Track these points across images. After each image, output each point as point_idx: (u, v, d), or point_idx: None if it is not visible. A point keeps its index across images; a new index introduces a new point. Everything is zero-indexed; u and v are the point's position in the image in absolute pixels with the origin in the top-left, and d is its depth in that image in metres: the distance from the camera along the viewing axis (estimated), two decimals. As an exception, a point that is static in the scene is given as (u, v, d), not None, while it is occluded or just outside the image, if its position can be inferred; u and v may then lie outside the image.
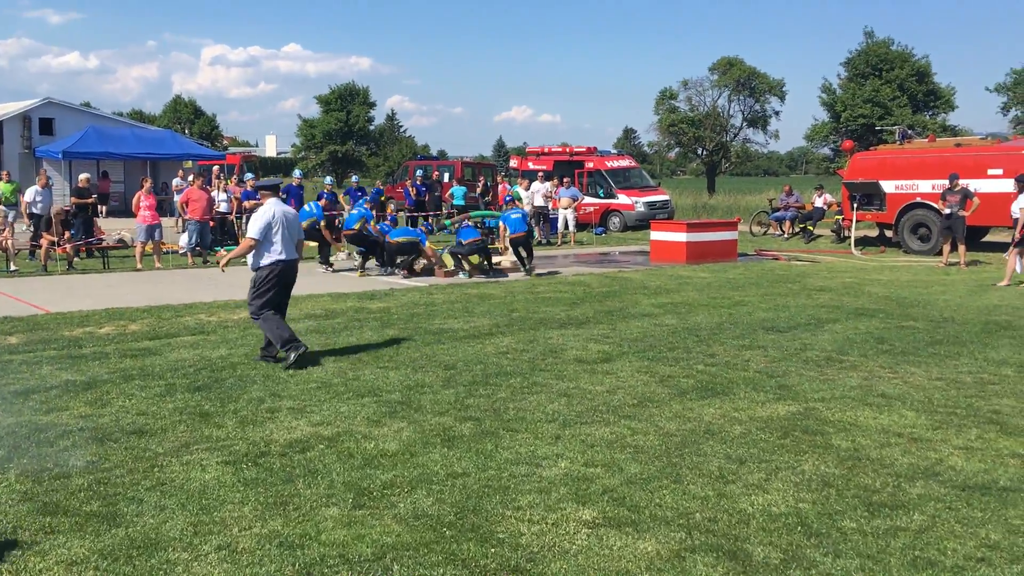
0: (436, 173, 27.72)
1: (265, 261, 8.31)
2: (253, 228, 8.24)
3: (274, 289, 8.33)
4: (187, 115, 74.23)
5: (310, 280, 15.12)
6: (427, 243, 15.54)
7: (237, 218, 20.59)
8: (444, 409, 6.76)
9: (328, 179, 21.80)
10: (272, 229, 8.24)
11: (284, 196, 18.97)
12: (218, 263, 8.40)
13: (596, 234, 26.18)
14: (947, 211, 17.95)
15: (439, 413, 6.66)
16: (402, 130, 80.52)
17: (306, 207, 16.94)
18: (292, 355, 8.14)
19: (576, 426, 6.35)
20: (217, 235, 20.77)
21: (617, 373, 8.02)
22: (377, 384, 7.53)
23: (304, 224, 16.50)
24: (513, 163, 32.57)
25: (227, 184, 21.96)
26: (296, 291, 13.10)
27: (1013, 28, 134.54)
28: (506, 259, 16.91)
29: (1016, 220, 15.08)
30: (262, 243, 8.23)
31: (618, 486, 5.18)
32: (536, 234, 19.19)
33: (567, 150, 30.97)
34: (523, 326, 10.44)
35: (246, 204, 19.07)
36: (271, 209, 8.32)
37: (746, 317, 11.24)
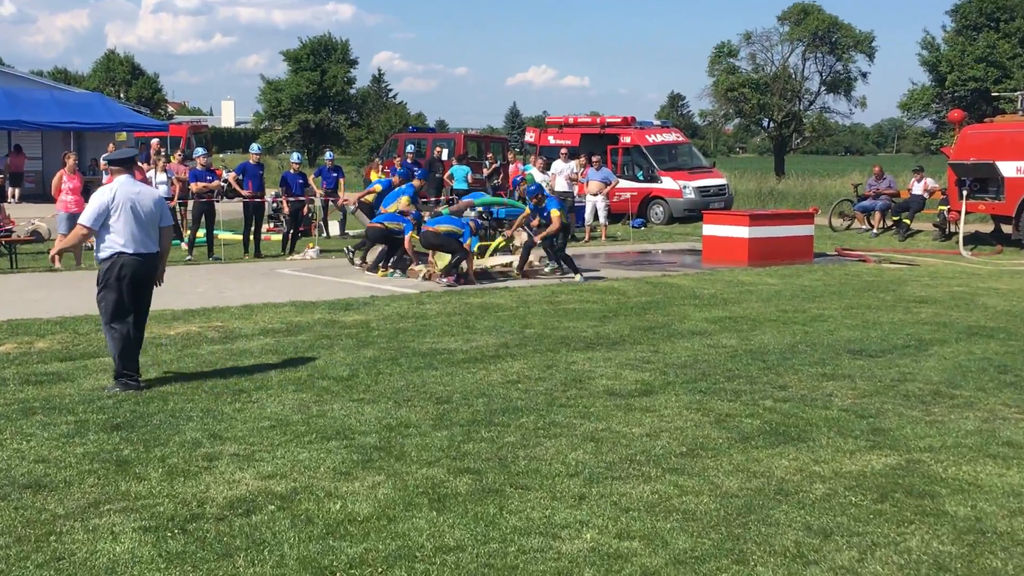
0: (438, 150, 27.56)
1: (103, 254, 8.41)
2: (85, 212, 8.42)
3: (116, 290, 8.35)
4: (123, 75, 74.49)
5: (269, 284, 14.96)
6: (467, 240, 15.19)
7: (181, 205, 20.45)
8: (434, 457, 6.56)
9: (295, 156, 21.61)
10: (111, 214, 8.31)
11: (240, 177, 19.28)
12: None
13: (633, 227, 25.96)
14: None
15: (427, 463, 6.44)
16: (391, 95, 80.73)
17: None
18: (118, 387, 8.27)
19: (606, 482, 6.11)
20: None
21: (660, 410, 7.82)
22: (348, 423, 7.35)
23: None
24: (529, 136, 32.41)
25: (169, 162, 21.82)
26: (251, 299, 13.15)
27: None
28: (498, 259, 16.62)
29: None
30: (99, 231, 8.33)
31: (662, 567, 4.94)
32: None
33: (598, 120, 30.77)
34: (539, 347, 10.28)
35: (193, 187, 18.90)
36: (112, 190, 8.42)
37: (826, 337, 11.05)
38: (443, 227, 15.31)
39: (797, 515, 5.63)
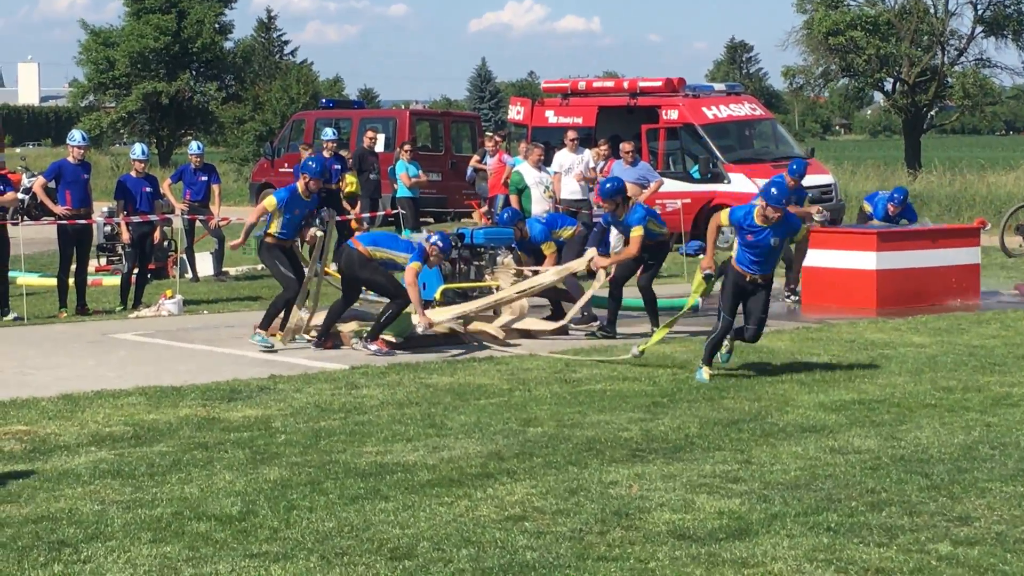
0: (370, 136, 27.40)
1: None
2: None
3: None
4: None
5: (102, 358, 14.96)
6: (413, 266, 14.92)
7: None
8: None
9: (138, 149, 21.16)
10: None
11: (51, 185, 19.04)
12: None
13: (687, 254, 25.79)
14: None
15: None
16: (288, 51, 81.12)
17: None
18: None
19: None
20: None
21: (766, 563, 7.61)
22: (246, 597, 7.08)
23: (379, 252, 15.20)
24: (516, 112, 32.35)
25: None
26: (75, 384, 13.10)
27: None
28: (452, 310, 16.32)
29: None
30: None
31: None
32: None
33: (625, 86, 30.73)
34: (552, 457, 10.18)
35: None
36: None
37: (1022, 433, 10.95)
38: (380, 251, 14.99)
39: None
